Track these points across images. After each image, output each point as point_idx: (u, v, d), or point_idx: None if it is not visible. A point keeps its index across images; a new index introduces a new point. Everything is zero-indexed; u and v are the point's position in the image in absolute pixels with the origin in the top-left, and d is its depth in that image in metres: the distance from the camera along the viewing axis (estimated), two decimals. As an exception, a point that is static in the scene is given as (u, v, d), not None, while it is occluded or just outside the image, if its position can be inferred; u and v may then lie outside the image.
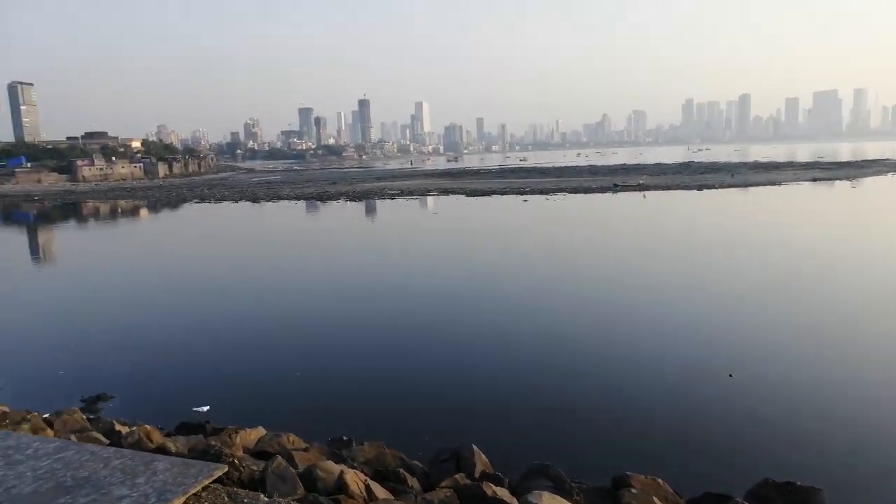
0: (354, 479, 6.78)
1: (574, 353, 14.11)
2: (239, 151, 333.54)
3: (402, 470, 7.80)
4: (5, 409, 10.92)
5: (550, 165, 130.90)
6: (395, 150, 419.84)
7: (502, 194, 62.20)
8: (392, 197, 65.88)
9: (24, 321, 19.52)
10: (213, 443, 8.43)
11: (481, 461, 8.08)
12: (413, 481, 7.65)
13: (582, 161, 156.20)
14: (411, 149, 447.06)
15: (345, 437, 9.38)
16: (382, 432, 9.60)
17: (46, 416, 10.03)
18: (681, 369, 12.77)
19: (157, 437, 8.71)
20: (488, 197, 60.29)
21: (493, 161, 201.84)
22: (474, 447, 8.20)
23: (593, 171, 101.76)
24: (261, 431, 9.42)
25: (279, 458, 6.87)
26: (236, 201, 69.92)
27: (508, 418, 10.81)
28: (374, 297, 20.43)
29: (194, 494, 2.00)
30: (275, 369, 13.74)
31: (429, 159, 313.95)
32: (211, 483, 2.07)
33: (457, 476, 7.48)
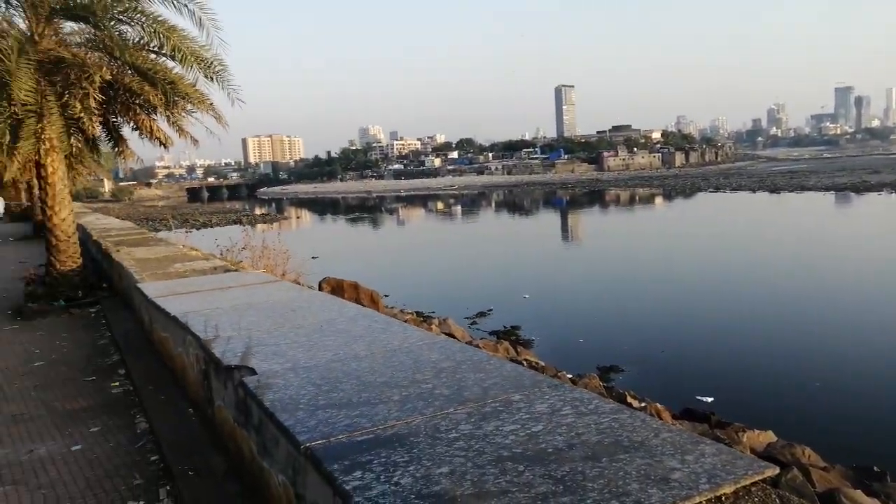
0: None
1: None
2: (759, 139, 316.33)
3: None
4: (542, 363, 12.97)
5: None
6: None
7: None
8: (956, 189, 53.06)
9: (555, 289, 22.70)
10: (720, 435, 8.35)
11: None
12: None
13: None
14: None
15: (875, 468, 8.10)
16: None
17: (570, 376, 11.51)
18: None
19: (667, 417, 9.06)
20: None
21: None
22: None
23: None
24: (770, 436, 8.88)
25: (795, 470, 6.37)
26: (753, 191, 66.76)
27: None
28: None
29: (744, 487, 2.00)
30: (788, 373, 12.72)
31: None
32: (760, 480, 2.05)
33: None
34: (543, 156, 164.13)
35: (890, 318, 16.42)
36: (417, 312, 17.33)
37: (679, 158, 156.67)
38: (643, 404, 9.33)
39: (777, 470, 2.12)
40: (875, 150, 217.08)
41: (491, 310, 18.80)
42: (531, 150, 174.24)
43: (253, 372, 3.61)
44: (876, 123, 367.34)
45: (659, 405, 9.30)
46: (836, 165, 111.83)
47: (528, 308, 19.33)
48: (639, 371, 13.27)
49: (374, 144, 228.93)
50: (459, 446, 2.46)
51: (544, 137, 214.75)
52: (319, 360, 3.76)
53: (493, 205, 79.76)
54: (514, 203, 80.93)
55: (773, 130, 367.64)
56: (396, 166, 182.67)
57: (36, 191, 25.97)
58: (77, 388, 6.63)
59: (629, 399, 9.80)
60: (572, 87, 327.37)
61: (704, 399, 11.26)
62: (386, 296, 20.00)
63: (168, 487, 4.16)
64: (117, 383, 6.67)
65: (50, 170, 11.25)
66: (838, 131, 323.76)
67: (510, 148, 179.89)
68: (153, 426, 5.09)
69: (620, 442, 2.36)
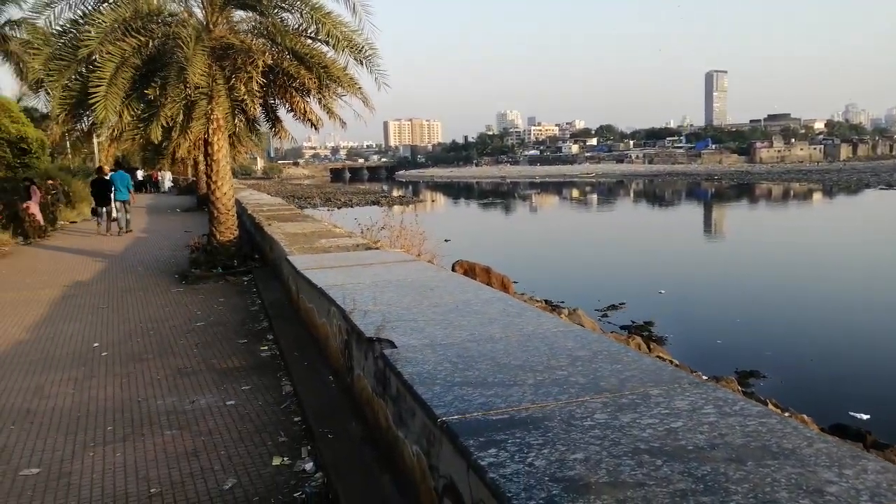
0: None
1: None
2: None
3: None
4: (676, 362, 12.45)
5: None
6: None
7: None
8: None
9: (693, 287, 21.64)
10: (878, 458, 7.64)
11: None
12: None
13: None
14: None
15: None
16: None
17: (705, 378, 10.97)
18: None
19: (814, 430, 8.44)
20: None
21: None
22: None
23: None
24: (938, 463, 8.01)
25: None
26: (933, 190, 59.91)
27: None
28: None
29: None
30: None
31: None
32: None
33: None
34: (689, 145, 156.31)
35: None
36: (546, 301, 17.21)
37: (845, 151, 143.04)
38: (787, 414, 8.72)
39: (954, 496, 1.92)
40: None
41: (623, 303, 18.28)
42: (675, 138, 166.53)
43: (393, 345, 3.77)
44: None
45: (805, 416, 8.66)
46: None
47: (664, 304, 18.59)
48: (783, 379, 12.40)
49: (511, 130, 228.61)
50: (594, 434, 2.44)
51: (691, 126, 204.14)
52: (456, 339, 3.86)
53: (632, 194, 77.16)
54: (654, 193, 77.81)
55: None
56: (532, 152, 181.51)
57: (201, 167, 28.40)
58: (231, 349, 7.25)
59: (771, 407, 9.19)
60: (725, 72, 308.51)
61: (859, 416, 10.32)
62: (515, 282, 20.00)
63: (309, 447, 4.46)
64: (266, 347, 7.21)
65: (216, 147, 12.27)
66: None
67: (653, 136, 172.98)
68: (297, 389, 5.46)
69: (768, 447, 2.23)
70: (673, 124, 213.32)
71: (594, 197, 73.75)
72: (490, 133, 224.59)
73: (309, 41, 12.19)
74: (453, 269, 12.04)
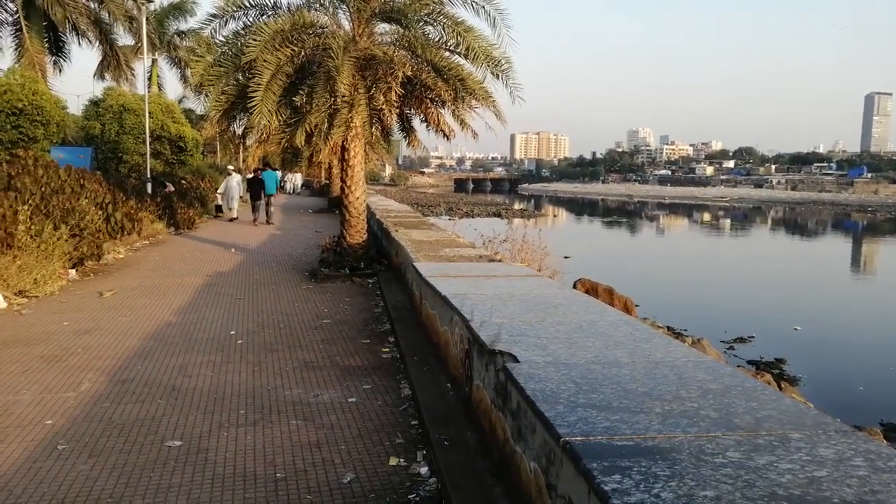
0: None
1: None
2: None
3: None
4: (811, 405, 11.53)
5: None
6: None
7: None
8: None
9: (834, 325, 19.98)
10: None
11: None
12: None
13: None
14: None
15: None
16: None
17: (845, 428, 10.07)
18: None
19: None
20: None
21: None
22: None
23: None
24: None
25: None
26: None
27: None
28: None
29: None
30: None
31: None
32: None
33: None
34: (840, 172, 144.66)
35: None
36: (669, 327, 16.52)
37: None
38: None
39: None
40: None
41: (753, 337, 17.19)
42: (825, 164, 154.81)
43: (515, 359, 3.78)
44: None
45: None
46: None
47: (799, 342, 17.29)
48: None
49: (643, 147, 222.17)
50: (726, 473, 2.33)
51: (843, 151, 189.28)
52: (580, 360, 3.81)
53: (769, 222, 72.47)
54: (795, 223, 72.66)
55: None
56: (663, 171, 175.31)
57: (335, 171, 29.90)
58: (354, 347, 7.54)
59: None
60: (889, 94, 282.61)
61: None
62: (637, 305, 19.41)
63: (424, 452, 4.55)
64: (387, 349, 7.44)
65: (352, 153, 12.85)
66: None
67: (798, 161, 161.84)
68: (415, 393, 5.59)
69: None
70: (822, 149, 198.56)
71: (727, 222, 69.96)
72: (619, 150, 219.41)
73: (447, 54, 12.49)
74: (575, 288, 11.87)
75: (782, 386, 12.37)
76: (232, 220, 24.45)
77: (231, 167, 27.15)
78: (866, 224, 69.39)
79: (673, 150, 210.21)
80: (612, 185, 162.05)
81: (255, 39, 11.07)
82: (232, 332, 8.15)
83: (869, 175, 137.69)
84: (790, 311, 21.28)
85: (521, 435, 3.32)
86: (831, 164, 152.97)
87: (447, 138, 14.12)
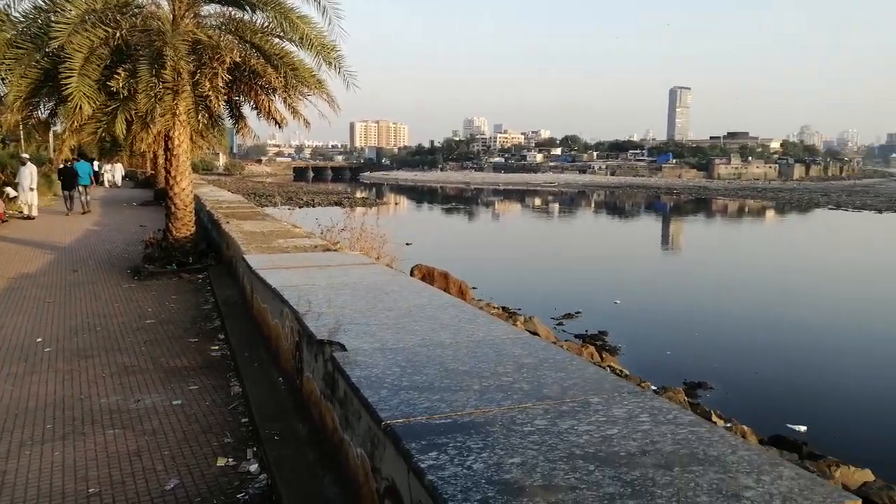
0: None
1: None
2: (893, 156, 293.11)
3: None
4: (626, 371, 12.70)
5: None
6: None
7: None
8: None
9: (648, 298, 22.06)
10: (810, 467, 7.92)
11: None
12: None
13: None
14: None
15: None
16: None
17: (654, 388, 11.20)
18: None
19: (753, 441, 8.70)
20: None
21: None
22: None
23: None
24: (868, 475, 8.32)
25: (891, 513, 5.97)
26: (880, 212, 62.13)
27: None
28: None
29: (825, 513, 1.95)
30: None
31: None
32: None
33: None
34: (650, 159, 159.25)
35: None
36: (504, 307, 17.36)
37: (798, 171, 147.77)
38: (729, 425, 8.98)
39: (859, 501, 2.04)
40: None
41: (579, 312, 18.55)
42: (638, 151, 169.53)
43: (343, 348, 3.79)
44: None
45: (746, 427, 8.93)
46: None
47: (619, 314, 18.93)
48: (728, 390, 12.75)
49: (478, 136, 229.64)
50: (533, 440, 2.51)
51: (653, 140, 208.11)
52: (406, 344, 3.90)
53: (593, 205, 78.32)
54: (615, 205, 79.12)
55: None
56: (497, 159, 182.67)
57: (160, 161, 27.95)
58: (181, 348, 7.15)
59: (714, 418, 9.47)
60: (689, 89, 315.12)
61: (797, 428, 10.68)
62: (474, 288, 20.13)
63: (255, 449, 4.45)
64: (216, 347, 7.14)
65: (176, 142, 12.08)
66: None
67: (616, 148, 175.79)
68: (245, 390, 5.43)
69: (695, 454, 2.33)
70: (636, 137, 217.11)
71: (556, 206, 74.61)
72: (456, 139, 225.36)
73: (277, 41, 12.12)
74: (412, 274, 12.08)
75: (604, 356, 13.48)
76: (28, 218, 21.47)
77: (25, 155, 24.33)
78: (673, 205, 77.18)
79: (506, 138, 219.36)
80: (451, 172, 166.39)
81: (62, 19, 9.99)
82: (38, 340, 7.40)
83: (674, 161, 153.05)
84: (612, 287, 23.20)
85: (348, 423, 3.35)
86: (643, 152, 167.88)
87: (279, 126, 13.73)
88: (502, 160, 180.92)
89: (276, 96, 12.91)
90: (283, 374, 5.36)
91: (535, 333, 13.62)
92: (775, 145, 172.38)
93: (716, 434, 2.54)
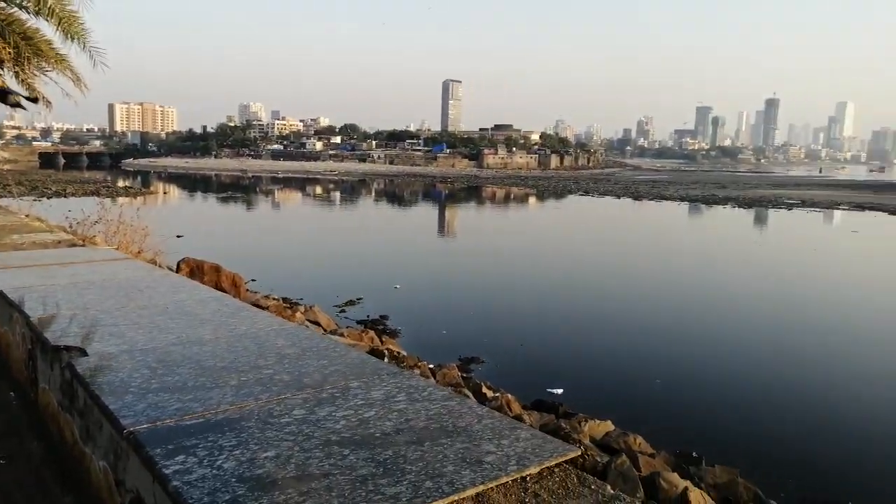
0: (699, 500, 6.44)
1: None
2: (628, 148, 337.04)
3: (756, 507, 7.14)
4: (404, 353, 13.13)
5: None
6: (802, 156, 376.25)
7: (940, 216, 50.99)
8: (789, 207, 59.28)
9: (426, 281, 23.04)
10: (564, 425, 8.86)
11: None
12: (767, 523, 6.95)
13: None
14: (823, 155, 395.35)
15: (694, 454, 8.94)
16: (738, 460, 8.88)
17: (431, 366, 11.74)
18: None
19: (516, 408, 9.49)
20: (919, 218, 50.00)
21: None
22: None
23: None
24: (609, 426, 9.53)
25: (624, 456, 6.90)
26: (618, 197, 70.92)
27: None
28: (766, 313, 18.82)
29: (548, 467, 2.18)
30: (635, 369, 13.73)
31: (843, 168, 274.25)
32: (564, 462, 2.23)
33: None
34: (426, 148, 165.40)
35: (726, 320, 18.11)
36: (284, 298, 16.97)
37: (554, 161, 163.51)
38: (497, 394, 9.71)
39: (579, 452, 2.32)
40: (725, 167, 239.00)
41: (361, 298, 18.76)
42: (415, 141, 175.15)
43: (83, 353, 3.42)
44: (728, 142, 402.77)
45: (510, 396, 9.72)
46: (692, 178, 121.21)
47: (399, 298, 19.48)
48: (498, 363, 13.77)
49: (255, 122, 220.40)
50: (290, 431, 2.48)
51: (429, 130, 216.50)
52: (159, 343, 3.63)
53: (373, 193, 79.51)
54: (394, 193, 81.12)
55: (641, 141, 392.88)
56: (276, 147, 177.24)
57: None
58: None
59: (485, 389, 10.16)
60: (460, 82, 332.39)
61: (555, 391, 11.88)
62: (253, 280, 19.39)
63: (-21, 475, 3.85)
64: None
65: None
66: (696, 147, 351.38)
67: (394, 137, 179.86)
68: (-31, 410, 4.67)
69: (445, 427, 2.48)
70: (413, 128, 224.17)
71: (337, 195, 74.52)
72: (232, 124, 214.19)
73: (3, 5, 10.52)
74: (178, 269, 11.26)
75: (384, 339, 13.78)
76: None
77: None
78: (448, 192, 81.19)
79: (284, 125, 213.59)
80: (226, 160, 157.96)
81: None
82: None
83: (448, 151, 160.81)
84: (392, 272, 23.77)
85: (89, 434, 3.03)
86: (420, 142, 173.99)
87: (13, 106, 11.97)
88: (281, 147, 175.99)
89: (5, 70, 11.23)
90: (14, 388, 4.70)
91: (316, 322, 13.53)
92: (535, 137, 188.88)
93: (465, 406, 2.72)
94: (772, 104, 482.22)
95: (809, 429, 11.02)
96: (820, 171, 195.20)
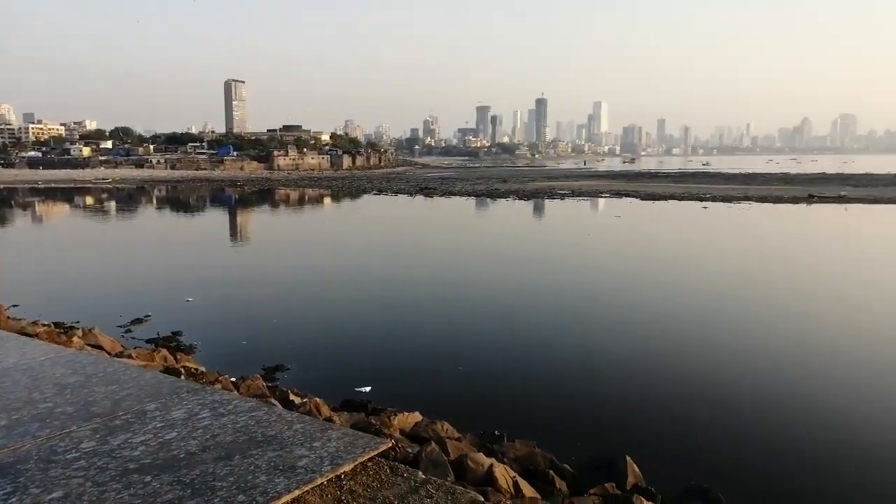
0: (503, 474, 6.93)
1: (774, 380, 13.22)
2: (417, 147, 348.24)
3: (551, 472, 7.83)
4: (203, 369, 12.42)
5: (737, 171, 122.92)
6: (569, 150, 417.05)
7: (680, 199, 59.37)
8: (562, 197, 65.42)
9: (221, 292, 21.92)
10: (374, 421, 9.00)
11: (634, 473, 7.88)
12: (561, 484, 7.64)
13: (773, 168, 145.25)
14: (586, 149, 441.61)
15: (496, 432, 9.57)
16: (535, 432, 9.68)
17: (233, 379, 11.25)
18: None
19: (326, 410, 9.44)
20: (664, 202, 57.78)
21: (673, 164, 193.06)
22: (628, 458, 8.04)
23: (787, 179, 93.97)
24: (417, 417, 9.86)
25: (433, 444, 7.19)
26: (411, 195, 73.03)
27: (676, 433, 10.39)
28: (550, 296, 20.49)
29: (361, 463, 2.23)
30: (438, 360, 14.27)
31: (602, 160, 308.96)
32: (376, 455, 2.30)
33: (606, 485, 7.38)
34: (212, 151, 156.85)
35: (517, 302, 19.51)
36: (56, 323, 15.17)
37: (347, 161, 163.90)
38: (304, 400, 9.58)
39: (390, 443, 2.41)
40: (505, 162, 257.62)
41: (149, 315, 17.37)
42: (198, 144, 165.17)
43: None
44: (506, 139, 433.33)
45: (318, 399, 9.65)
46: (477, 174, 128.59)
47: (192, 312, 18.34)
48: (303, 368, 13.57)
49: (3, 127, 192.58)
50: (79, 466, 2.27)
51: (213, 132, 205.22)
52: None
53: (154, 201, 73.57)
54: (179, 200, 75.83)
55: (428, 140, 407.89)
56: (33, 153, 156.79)
57: None
58: None
59: (292, 396, 9.97)
60: (243, 82, 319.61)
61: (363, 389, 12.00)
62: (15, 305, 17.13)
63: None
64: None
65: None
66: (479, 144, 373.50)
67: (174, 141, 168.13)
68: None
69: (255, 438, 2.43)
70: (195, 130, 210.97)
71: (113, 204, 67.85)
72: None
73: None
74: (-85, 300, 9.54)
75: (178, 357, 12.90)
76: None
77: None
78: (238, 196, 77.81)
79: (41, 129, 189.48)
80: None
81: None
82: None
83: (235, 154, 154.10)
84: (182, 285, 22.26)
85: None
86: (203, 144, 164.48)
87: None
88: (39, 154, 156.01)
89: None
90: None
91: (98, 346, 12.27)
92: (326, 137, 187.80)
93: (274, 415, 2.69)
94: (541, 103, 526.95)
95: (588, 392, 12.33)
96: (584, 164, 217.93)
